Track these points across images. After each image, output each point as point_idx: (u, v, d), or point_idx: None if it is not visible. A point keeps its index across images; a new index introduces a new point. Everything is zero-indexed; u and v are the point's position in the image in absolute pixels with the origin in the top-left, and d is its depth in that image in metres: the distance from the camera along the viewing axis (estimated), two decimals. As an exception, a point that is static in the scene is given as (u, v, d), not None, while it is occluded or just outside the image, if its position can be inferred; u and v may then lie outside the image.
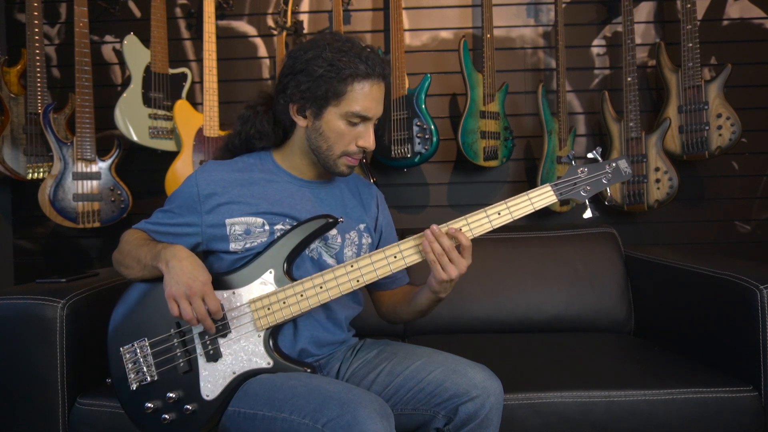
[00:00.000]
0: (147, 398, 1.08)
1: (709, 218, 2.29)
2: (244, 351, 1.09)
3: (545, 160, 2.14)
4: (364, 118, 1.13)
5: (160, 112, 2.10)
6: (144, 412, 1.08)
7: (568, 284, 1.84)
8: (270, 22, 2.28)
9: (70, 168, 2.03)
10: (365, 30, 2.31)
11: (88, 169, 2.05)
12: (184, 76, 2.16)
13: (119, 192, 2.10)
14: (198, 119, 2.09)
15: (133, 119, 2.06)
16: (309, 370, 1.09)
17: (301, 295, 1.09)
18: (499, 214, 1.10)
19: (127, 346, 1.11)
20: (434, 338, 1.71)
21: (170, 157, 2.08)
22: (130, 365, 1.10)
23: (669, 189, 2.07)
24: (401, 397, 1.11)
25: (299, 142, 1.19)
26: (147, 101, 2.09)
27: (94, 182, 2.07)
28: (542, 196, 1.11)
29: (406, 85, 2.08)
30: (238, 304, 1.10)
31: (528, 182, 2.32)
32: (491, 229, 1.10)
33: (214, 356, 1.09)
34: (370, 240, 1.28)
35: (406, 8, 2.28)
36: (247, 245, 1.13)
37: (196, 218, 1.15)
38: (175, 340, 1.10)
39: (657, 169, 2.08)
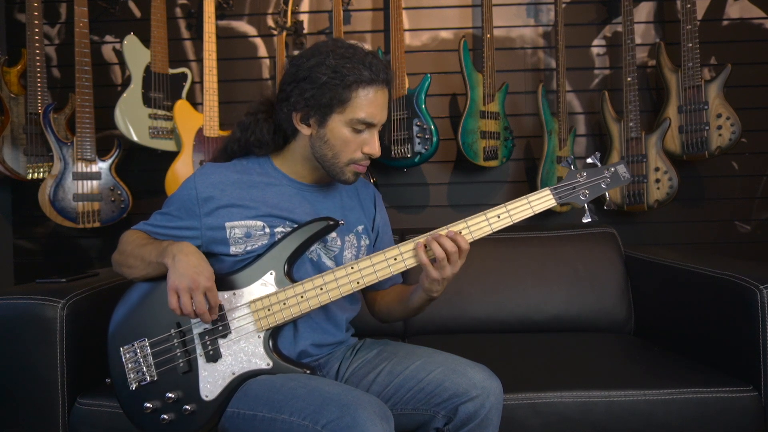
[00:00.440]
0: (146, 398, 1.08)
1: (709, 218, 2.29)
2: (243, 352, 1.09)
3: (545, 160, 2.14)
4: (369, 125, 1.12)
5: (160, 112, 2.10)
6: (143, 412, 1.08)
7: (568, 284, 1.84)
8: (270, 22, 2.28)
9: (70, 168, 2.03)
10: (365, 30, 2.31)
11: (88, 169, 2.06)
12: (184, 76, 2.16)
13: (119, 192, 2.11)
14: (198, 119, 2.09)
15: (133, 119, 2.06)
16: (309, 372, 1.09)
17: (302, 297, 1.09)
18: (498, 217, 1.11)
19: (127, 346, 1.11)
20: (434, 338, 1.71)
21: (170, 157, 2.08)
22: (129, 365, 1.10)
23: (669, 189, 2.07)
24: (401, 397, 1.11)
25: (301, 150, 1.18)
26: (147, 101, 2.09)
27: (94, 182, 2.07)
28: (542, 200, 1.12)
29: (406, 85, 2.08)
30: (239, 304, 1.10)
31: (528, 182, 2.32)
32: (491, 232, 1.10)
33: (213, 357, 1.09)
34: (368, 241, 1.28)
35: (406, 8, 2.28)
36: (248, 248, 1.13)
37: (195, 222, 1.15)
38: (175, 341, 1.10)
39: (657, 169, 2.08)
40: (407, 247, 1.11)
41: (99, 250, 2.34)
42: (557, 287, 1.83)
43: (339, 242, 1.21)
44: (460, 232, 1.08)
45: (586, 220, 1.17)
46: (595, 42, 2.30)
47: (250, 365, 1.09)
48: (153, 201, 2.28)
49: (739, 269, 1.42)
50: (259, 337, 1.09)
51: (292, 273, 1.12)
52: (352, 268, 1.10)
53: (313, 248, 1.18)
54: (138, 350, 1.10)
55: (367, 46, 2.28)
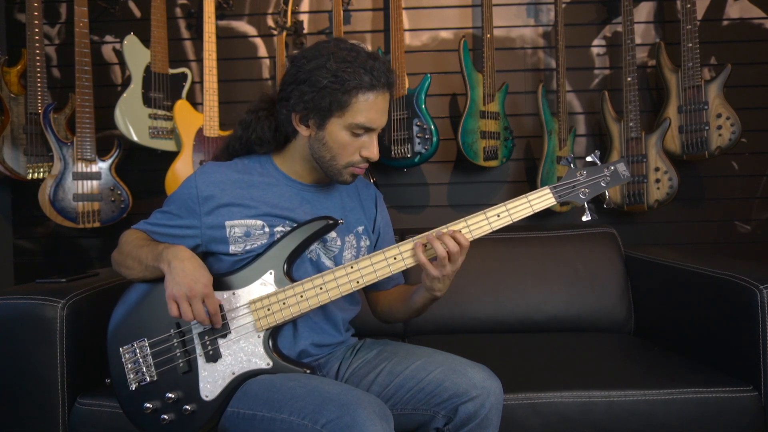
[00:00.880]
0: (146, 398, 1.08)
1: (709, 218, 2.29)
2: (243, 351, 1.09)
3: (545, 160, 2.14)
4: (369, 129, 1.11)
5: (160, 112, 2.10)
6: (143, 412, 1.08)
7: (568, 284, 1.84)
8: (270, 22, 2.28)
9: (70, 168, 2.03)
10: (365, 30, 2.31)
11: (88, 169, 2.06)
12: (184, 76, 2.16)
13: (119, 192, 2.11)
14: (198, 119, 2.09)
15: (133, 119, 2.06)
16: (308, 371, 1.09)
17: (301, 296, 1.09)
18: (498, 216, 1.11)
19: (126, 347, 1.11)
20: (434, 338, 1.71)
21: (170, 157, 2.08)
22: (129, 365, 1.10)
23: (669, 189, 2.07)
24: (401, 397, 1.11)
25: (301, 149, 1.18)
26: (147, 101, 2.09)
27: (94, 182, 2.07)
28: (541, 199, 1.12)
29: (406, 85, 2.08)
30: (238, 304, 1.10)
31: (528, 182, 2.32)
32: (491, 231, 1.10)
33: (213, 357, 1.09)
34: (368, 242, 1.28)
35: (406, 8, 2.28)
36: (247, 247, 1.13)
37: (195, 220, 1.15)
38: (175, 341, 1.10)
39: (657, 169, 2.08)
40: (407, 246, 1.11)
41: (99, 250, 2.34)
42: (557, 287, 1.83)
43: (339, 242, 1.21)
44: (460, 231, 1.08)
45: (585, 218, 1.17)
46: (595, 42, 2.30)
47: (249, 365, 1.08)
48: (153, 201, 2.28)
49: (739, 269, 1.42)
50: (258, 336, 1.09)
51: (291, 272, 1.12)
52: (352, 267, 1.10)
53: (312, 248, 1.18)
54: (138, 350, 1.10)
55: (368, 47, 2.30)
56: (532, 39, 2.30)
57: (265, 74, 2.31)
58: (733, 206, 2.28)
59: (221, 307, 1.09)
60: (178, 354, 1.09)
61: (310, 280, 1.10)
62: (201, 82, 2.23)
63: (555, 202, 1.11)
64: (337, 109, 1.08)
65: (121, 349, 1.11)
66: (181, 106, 2.10)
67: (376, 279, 1.10)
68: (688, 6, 2.06)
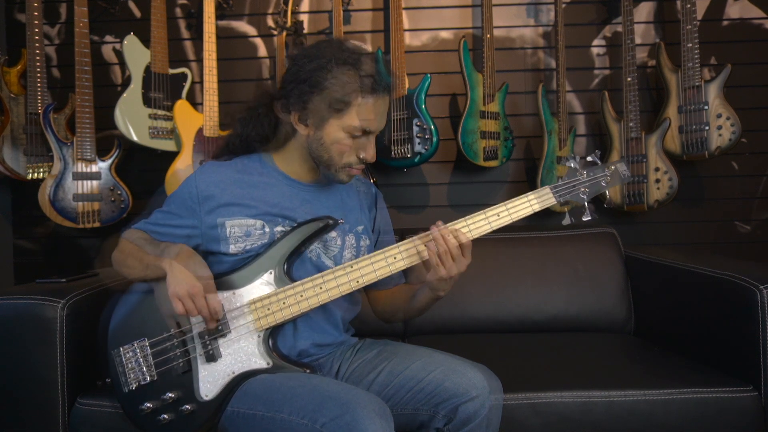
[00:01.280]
0: (145, 398, 1.09)
1: (709, 218, 2.29)
2: (243, 351, 1.09)
3: (545, 160, 2.14)
4: (367, 132, 1.12)
5: (160, 112, 2.10)
6: (143, 411, 1.08)
7: (568, 284, 1.84)
8: (270, 22, 2.28)
9: (70, 168, 2.03)
10: (365, 30, 2.31)
11: (88, 169, 2.05)
12: (184, 76, 2.16)
13: (119, 192, 2.11)
14: (198, 119, 2.09)
15: (133, 119, 2.06)
16: (308, 371, 1.09)
17: (301, 296, 1.09)
18: (498, 215, 1.11)
19: (126, 346, 1.11)
20: (434, 338, 1.71)
21: (170, 157, 2.08)
22: (129, 365, 1.10)
23: (669, 189, 2.07)
24: (401, 397, 1.11)
25: (300, 148, 1.19)
26: (147, 101, 2.08)
27: (94, 182, 2.07)
28: (542, 199, 1.12)
29: (406, 85, 2.08)
30: (238, 304, 1.10)
31: (528, 182, 2.32)
32: (491, 230, 1.11)
33: (213, 356, 1.09)
34: (368, 242, 1.28)
35: (406, 8, 2.28)
36: (247, 247, 1.13)
37: (195, 220, 1.15)
38: (175, 341, 1.10)
39: (657, 170, 2.08)
40: (406, 245, 1.11)
41: (99, 250, 2.34)
42: (557, 287, 1.83)
43: (339, 242, 1.21)
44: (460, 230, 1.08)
45: (585, 218, 1.18)
46: (595, 42, 2.30)
47: (249, 365, 1.09)
48: (153, 201, 2.28)
49: (739, 269, 1.42)
50: (258, 336, 1.09)
51: (291, 272, 1.12)
52: (352, 267, 1.10)
53: (312, 248, 1.18)
54: (138, 350, 1.10)
55: (368, 47, 2.29)
56: (532, 39, 2.30)
57: (265, 74, 2.31)
58: (733, 206, 2.28)
59: (222, 306, 1.09)
60: (178, 354, 1.10)
61: (310, 279, 1.10)
62: (201, 82, 2.23)
63: (555, 202, 1.12)
64: (336, 111, 1.09)
65: (121, 348, 1.11)
66: (181, 106, 2.10)
67: (375, 278, 1.11)
68: (688, 6, 2.06)
